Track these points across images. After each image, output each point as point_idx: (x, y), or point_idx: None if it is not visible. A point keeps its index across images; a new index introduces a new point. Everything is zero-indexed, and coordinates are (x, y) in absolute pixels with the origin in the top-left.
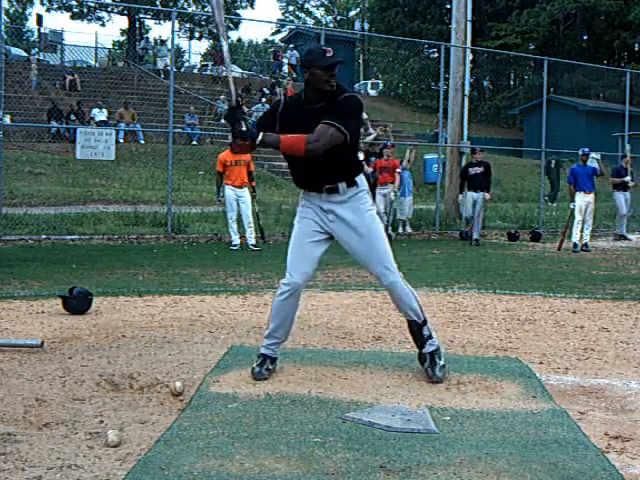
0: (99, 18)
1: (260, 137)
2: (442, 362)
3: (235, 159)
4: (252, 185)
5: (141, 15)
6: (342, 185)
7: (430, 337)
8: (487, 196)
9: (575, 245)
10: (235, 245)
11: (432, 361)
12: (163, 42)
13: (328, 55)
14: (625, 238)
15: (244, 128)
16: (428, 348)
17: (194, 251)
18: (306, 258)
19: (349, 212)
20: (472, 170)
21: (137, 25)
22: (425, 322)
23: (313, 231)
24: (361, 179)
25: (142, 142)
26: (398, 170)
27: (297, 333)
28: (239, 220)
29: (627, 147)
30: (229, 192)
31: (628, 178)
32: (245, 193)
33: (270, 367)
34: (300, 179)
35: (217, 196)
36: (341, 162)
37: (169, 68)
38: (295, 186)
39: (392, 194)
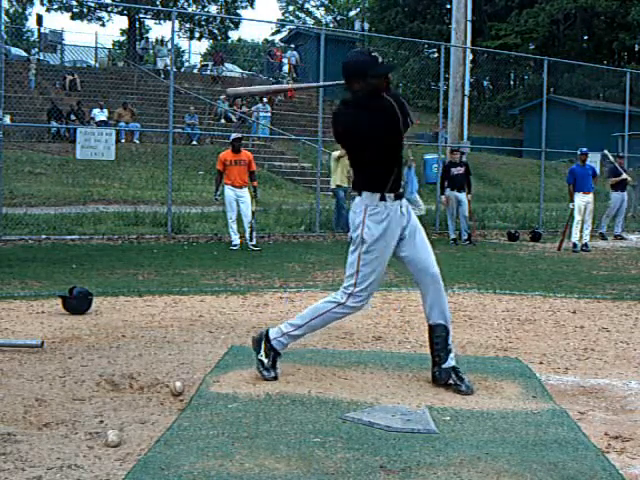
0: (99, 18)
1: None
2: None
3: (235, 159)
4: (254, 185)
5: (141, 15)
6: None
7: (451, 350)
8: (469, 197)
9: (575, 245)
10: (235, 245)
11: (458, 376)
12: (163, 42)
13: (381, 60)
14: (621, 238)
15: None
16: (450, 362)
17: (194, 251)
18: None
19: (411, 214)
20: (455, 170)
21: (137, 25)
22: (449, 332)
23: (393, 246)
24: None
25: (137, 142)
26: None
27: None
28: (239, 220)
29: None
30: (229, 192)
31: (625, 175)
32: (245, 193)
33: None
34: (389, 181)
35: (215, 194)
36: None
37: (169, 68)
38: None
39: None
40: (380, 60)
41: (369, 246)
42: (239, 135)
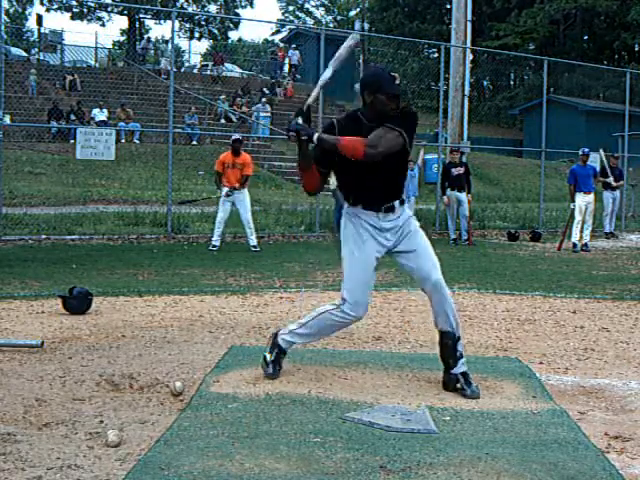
0: (99, 18)
1: (317, 135)
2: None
3: (234, 162)
4: (239, 187)
5: (141, 15)
6: (397, 203)
7: (462, 356)
8: (469, 197)
9: (575, 245)
10: (215, 247)
11: (466, 381)
12: (166, 42)
13: (396, 83)
14: (613, 236)
15: (300, 121)
16: (460, 368)
17: (194, 251)
18: (369, 288)
19: (404, 225)
20: (455, 171)
21: (137, 25)
22: (459, 338)
23: (376, 258)
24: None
25: (137, 142)
26: None
27: None
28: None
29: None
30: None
31: (610, 180)
32: (241, 195)
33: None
34: (364, 197)
35: (220, 191)
36: (399, 178)
37: (169, 68)
38: (294, 189)
39: None
40: (397, 82)
41: (344, 247)
42: (239, 136)
